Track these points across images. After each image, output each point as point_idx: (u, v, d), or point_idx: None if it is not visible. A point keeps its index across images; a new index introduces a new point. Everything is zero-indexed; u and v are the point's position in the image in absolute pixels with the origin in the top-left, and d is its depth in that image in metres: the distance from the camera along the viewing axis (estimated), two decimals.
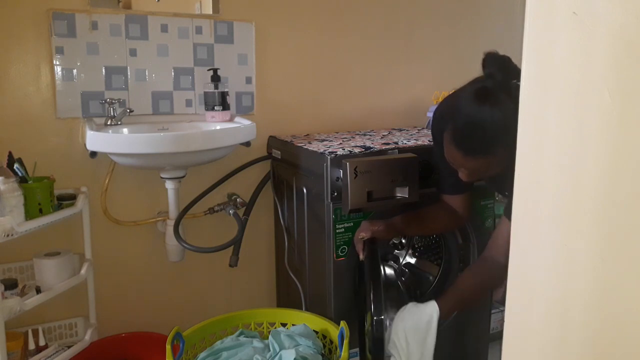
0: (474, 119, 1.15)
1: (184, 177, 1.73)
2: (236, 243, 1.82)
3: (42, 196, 1.47)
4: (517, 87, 1.21)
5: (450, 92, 1.40)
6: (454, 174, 1.33)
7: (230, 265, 1.84)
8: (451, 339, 1.81)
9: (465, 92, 1.20)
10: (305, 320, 1.61)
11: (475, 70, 1.27)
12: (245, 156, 1.92)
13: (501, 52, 1.27)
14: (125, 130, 1.67)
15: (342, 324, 1.45)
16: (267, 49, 1.94)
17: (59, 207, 1.55)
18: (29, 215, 1.43)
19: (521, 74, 0.57)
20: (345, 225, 1.55)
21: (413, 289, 1.85)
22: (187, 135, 1.60)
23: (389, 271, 1.66)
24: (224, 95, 1.79)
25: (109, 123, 1.68)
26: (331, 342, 1.56)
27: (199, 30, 1.82)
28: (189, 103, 1.85)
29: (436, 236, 1.89)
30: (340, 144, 1.70)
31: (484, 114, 1.13)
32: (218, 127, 1.75)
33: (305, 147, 1.67)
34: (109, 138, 1.50)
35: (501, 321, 1.57)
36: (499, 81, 1.14)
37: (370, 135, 1.93)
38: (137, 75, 1.76)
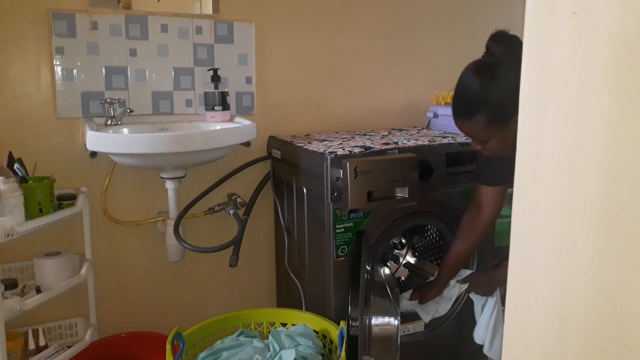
0: (461, 84, 1.30)
1: (184, 177, 1.73)
2: (236, 243, 1.82)
3: (42, 196, 1.47)
4: (517, 63, 1.30)
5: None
6: (492, 164, 1.43)
7: (230, 265, 1.84)
8: (451, 338, 1.81)
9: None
10: (305, 320, 1.62)
11: None
12: (245, 156, 1.92)
13: (522, 42, 1.29)
14: (125, 130, 1.67)
15: (342, 324, 1.45)
16: (267, 49, 1.94)
17: (59, 207, 1.55)
18: (29, 215, 1.43)
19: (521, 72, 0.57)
20: (345, 225, 1.55)
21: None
22: (187, 135, 1.60)
23: (387, 272, 1.66)
24: (224, 95, 1.80)
25: (109, 123, 1.67)
26: (331, 342, 1.57)
27: (199, 31, 1.82)
28: (189, 103, 1.85)
29: (436, 236, 1.89)
30: (340, 144, 1.70)
31: (469, 81, 1.27)
32: (218, 127, 1.75)
33: (305, 147, 1.67)
34: (109, 138, 1.50)
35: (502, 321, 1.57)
36: (496, 56, 1.25)
37: (370, 135, 1.93)
38: (137, 75, 1.76)
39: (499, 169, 1.44)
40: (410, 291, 1.70)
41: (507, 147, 1.31)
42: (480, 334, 1.61)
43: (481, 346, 1.62)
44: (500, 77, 1.23)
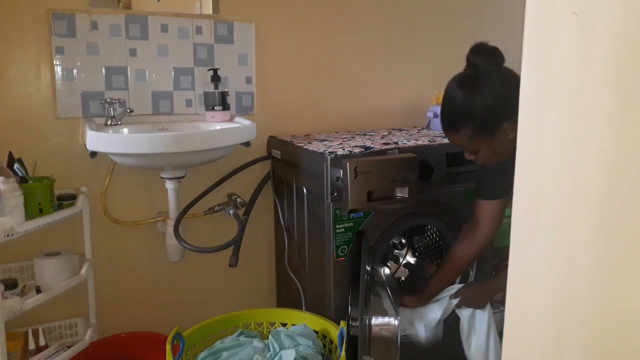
0: (446, 98, 1.33)
1: (184, 177, 1.73)
2: (236, 243, 1.82)
3: (42, 196, 1.47)
4: (498, 73, 1.28)
5: None
6: (490, 177, 1.45)
7: (230, 265, 1.84)
8: (451, 338, 1.81)
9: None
10: (305, 320, 1.62)
11: None
12: (245, 156, 1.92)
13: (501, 52, 1.29)
14: (125, 130, 1.67)
15: (342, 324, 1.45)
16: (267, 49, 1.94)
17: (59, 207, 1.55)
18: (29, 215, 1.43)
19: (521, 75, 0.57)
20: (345, 225, 1.55)
21: (413, 288, 1.85)
22: (187, 135, 1.60)
23: (387, 272, 1.66)
24: (224, 95, 1.80)
25: (109, 123, 1.68)
26: (331, 342, 1.56)
27: (199, 31, 1.82)
28: (189, 103, 1.85)
29: (436, 236, 1.89)
30: (340, 144, 1.70)
31: (453, 94, 1.31)
32: (218, 127, 1.75)
33: (305, 147, 1.67)
34: (109, 138, 1.50)
35: (501, 321, 1.56)
36: (477, 68, 1.29)
37: (370, 135, 1.93)
38: (137, 75, 1.76)
39: (498, 181, 1.43)
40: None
41: (499, 156, 1.33)
42: (479, 351, 1.55)
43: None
44: (483, 88, 1.26)
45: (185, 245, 1.70)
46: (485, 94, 1.26)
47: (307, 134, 2.01)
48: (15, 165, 1.47)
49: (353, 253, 1.47)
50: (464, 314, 1.59)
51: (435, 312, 1.61)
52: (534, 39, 0.55)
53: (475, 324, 1.58)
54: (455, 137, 1.34)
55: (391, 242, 1.92)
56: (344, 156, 1.52)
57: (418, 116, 2.25)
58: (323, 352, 1.53)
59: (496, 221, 1.49)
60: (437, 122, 2.14)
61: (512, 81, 1.27)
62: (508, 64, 1.30)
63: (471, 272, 1.76)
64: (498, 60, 1.30)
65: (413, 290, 1.70)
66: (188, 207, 1.80)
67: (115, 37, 1.71)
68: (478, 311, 1.58)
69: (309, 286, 1.76)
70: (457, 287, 1.62)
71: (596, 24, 0.47)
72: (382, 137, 1.86)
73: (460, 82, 1.31)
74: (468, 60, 1.31)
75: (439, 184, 1.68)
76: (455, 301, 1.60)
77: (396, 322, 1.46)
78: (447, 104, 1.33)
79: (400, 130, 2.11)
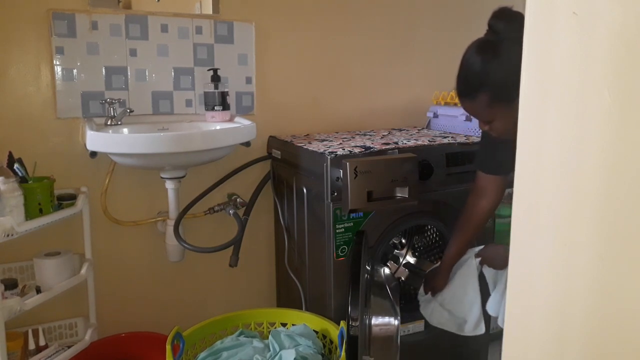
0: (463, 63, 1.28)
1: (184, 177, 1.73)
2: (236, 243, 1.82)
3: (42, 196, 1.47)
4: (520, 40, 1.28)
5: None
6: (494, 152, 1.43)
7: (230, 265, 1.84)
8: (451, 338, 1.81)
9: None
10: (305, 320, 1.62)
11: None
12: (245, 156, 1.92)
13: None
14: (125, 130, 1.67)
15: (342, 324, 1.45)
16: (267, 49, 1.94)
17: (59, 207, 1.55)
18: (29, 215, 1.43)
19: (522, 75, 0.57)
20: (345, 225, 1.55)
21: (413, 288, 1.85)
22: (187, 135, 1.60)
23: (387, 272, 1.66)
24: (224, 95, 1.80)
25: (109, 123, 1.68)
26: (331, 342, 1.56)
27: (199, 31, 1.82)
28: (189, 103, 1.85)
29: (436, 236, 1.89)
30: (340, 144, 1.70)
31: (471, 59, 1.26)
32: (218, 127, 1.75)
33: (305, 147, 1.67)
34: (109, 138, 1.50)
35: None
36: (498, 34, 1.22)
37: (370, 135, 1.93)
38: (137, 75, 1.76)
39: (501, 157, 1.42)
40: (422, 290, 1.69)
41: (514, 128, 1.29)
42: (494, 306, 1.57)
43: (479, 346, 1.61)
44: (503, 55, 1.21)
45: (185, 245, 1.70)
46: (505, 61, 1.19)
47: (307, 134, 2.01)
48: (15, 165, 1.47)
49: (353, 253, 1.47)
50: (488, 273, 1.59)
51: (468, 270, 1.61)
52: (534, 39, 0.55)
53: (497, 283, 1.58)
54: (470, 104, 1.29)
55: (391, 242, 1.92)
56: (344, 156, 1.52)
57: (418, 116, 2.25)
58: (323, 352, 1.53)
59: (499, 193, 1.50)
60: (437, 122, 2.14)
61: None
62: None
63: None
64: (521, 27, 1.27)
65: (426, 281, 1.69)
66: (188, 207, 1.80)
67: (115, 37, 1.71)
68: (499, 271, 1.57)
69: (309, 286, 1.76)
70: (478, 248, 1.61)
71: (596, 24, 0.47)
72: (382, 137, 1.86)
73: (480, 47, 1.25)
74: (489, 24, 1.24)
75: (439, 184, 1.68)
76: (478, 260, 1.59)
77: (396, 322, 1.46)
78: (464, 69, 1.28)
79: (400, 130, 2.11)
